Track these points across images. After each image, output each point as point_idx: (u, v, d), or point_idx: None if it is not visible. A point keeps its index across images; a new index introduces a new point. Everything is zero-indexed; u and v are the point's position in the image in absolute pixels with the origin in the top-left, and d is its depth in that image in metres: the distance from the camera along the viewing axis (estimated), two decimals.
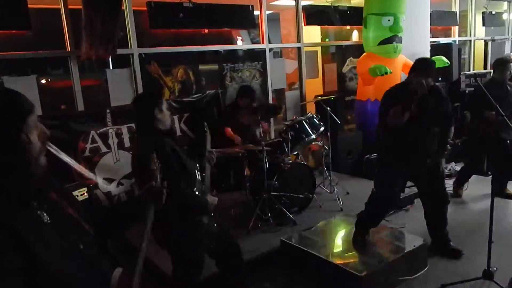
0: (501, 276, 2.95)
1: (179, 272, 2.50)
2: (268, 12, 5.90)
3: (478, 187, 4.91)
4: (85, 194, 3.71)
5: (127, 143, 4.38)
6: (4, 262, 1.00)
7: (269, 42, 5.98)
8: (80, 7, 3.93)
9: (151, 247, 1.53)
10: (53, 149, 3.63)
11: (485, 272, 2.95)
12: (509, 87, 4.42)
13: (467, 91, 6.65)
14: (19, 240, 1.03)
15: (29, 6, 3.95)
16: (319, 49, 7.49)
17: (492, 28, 9.05)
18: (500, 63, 4.52)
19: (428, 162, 3.22)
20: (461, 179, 4.90)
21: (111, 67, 4.74)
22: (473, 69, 8.89)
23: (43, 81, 4.65)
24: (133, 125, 4.38)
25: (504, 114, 3.03)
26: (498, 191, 4.54)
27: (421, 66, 3.12)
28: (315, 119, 4.63)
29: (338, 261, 3.06)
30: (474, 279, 2.96)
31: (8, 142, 1.05)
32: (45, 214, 1.13)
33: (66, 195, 1.32)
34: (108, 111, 4.28)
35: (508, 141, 4.36)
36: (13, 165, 1.07)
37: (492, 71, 4.65)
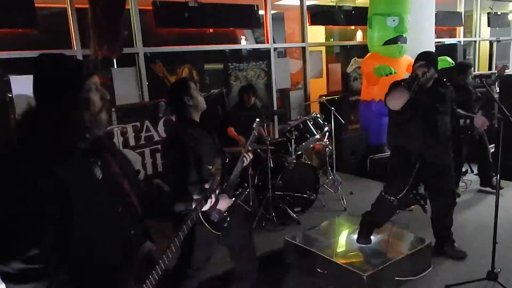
0: (505, 277, 2.95)
1: (180, 270, 2.51)
2: (272, 11, 5.91)
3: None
4: None
5: (132, 142, 4.39)
6: (41, 207, 1.12)
7: (274, 42, 5.99)
8: (87, 6, 3.95)
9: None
10: None
11: (489, 273, 2.95)
12: (472, 91, 4.59)
13: None
14: (61, 190, 1.15)
15: (36, 5, 3.98)
16: (323, 49, 7.50)
17: (497, 28, 9.02)
18: (461, 69, 4.69)
19: (439, 159, 3.21)
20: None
21: (115, 66, 4.77)
22: (478, 70, 8.86)
23: None
24: (138, 123, 4.41)
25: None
26: (486, 182, 4.91)
27: (422, 55, 3.21)
28: (319, 119, 4.64)
29: (342, 261, 3.06)
30: (478, 280, 2.96)
31: (69, 100, 1.21)
32: (99, 171, 1.27)
33: (121, 162, 1.41)
34: (113, 109, 4.30)
35: (477, 137, 4.76)
36: (73, 120, 1.21)
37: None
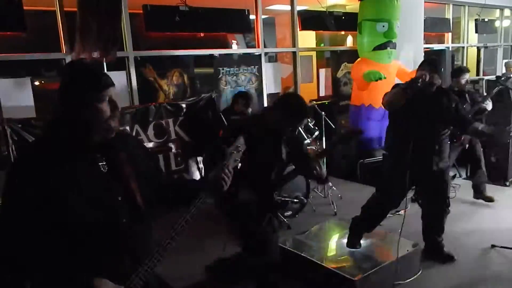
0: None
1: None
2: (263, 16, 5.93)
3: (470, 192, 4.96)
4: None
5: None
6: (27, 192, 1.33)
7: (265, 47, 6.01)
8: (76, 9, 3.93)
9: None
10: None
11: None
12: (467, 97, 4.58)
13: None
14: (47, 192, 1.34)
15: (24, 8, 3.94)
16: (314, 54, 7.54)
17: (484, 35, 9.15)
18: (456, 73, 4.69)
19: (434, 165, 3.21)
20: None
21: (105, 70, 4.73)
22: None
23: (37, 83, 4.63)
24: (127, 128, 4.38)
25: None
26: (478, 195, 4.80)
27: (425, 61, 3.22)
28: (309, 124, 4.65)
29: (332, 265, 3.06)
30: None
31: (84, 106, 1.38)
32: (105, 166, 1.47)
33: (135, 159, 1.57)
34: None
35: (467, 146, 4.74)
36: (84, 124, 1.40)
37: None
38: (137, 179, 1.53)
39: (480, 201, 4.74)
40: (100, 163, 1.47)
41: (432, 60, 3.25)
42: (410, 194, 4.06)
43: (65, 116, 1.41)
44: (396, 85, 3.19)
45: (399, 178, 3.15)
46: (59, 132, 1.43)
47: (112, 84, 1.45)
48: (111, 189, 1.47)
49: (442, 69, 5.74)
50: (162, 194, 1.70)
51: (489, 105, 4.48)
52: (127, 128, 4.38)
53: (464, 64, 9.00)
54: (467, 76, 4.62)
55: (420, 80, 2.91)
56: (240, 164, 1.68)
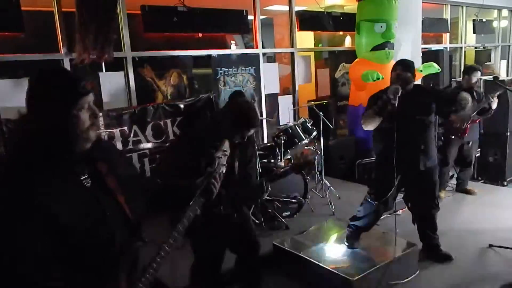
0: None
1: (197, 266, 2.51)
2: (261, 17, 5.94)
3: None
4: None
5: (119, 147, 4.36)
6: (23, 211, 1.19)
7: (263, 47, 6.01)
8: (74, 9, 3.93)
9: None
10: None
11: None
12: (475, 94, 4.58)
13: None
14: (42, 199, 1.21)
15: (22, 8, 3.93)
16: (312, 54, 7.54)
17: (482, 35, 9.18)
18: (467, 71, 4.70)
19: (422, 165, 3.22)
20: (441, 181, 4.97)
21: (104, 70, 4.74)
22: None
23: None
24: (126, 128, 4.38)
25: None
26: (462, 188, 5.05)
27: (397, 62, 3.33)
28: (308, 124, 4.66)
29: (330, 266, 3.07)
30: None
31: (61, 117, 1.25)
32: (87, 180, 1.34)
33: (116, 168, 1.45)
34: (100, 114, 4.26)
35: (470, 143, 4.84)
36: (61, 136, 1.27)
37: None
38: (124, 191, 1.42)
39: (480, 200, 4.78)
40: (82, 177, 1.34)
41: (403, 60, 3.33)
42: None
43: (39, 128, 1.25)
44: (371, 99, 3.22)
45: (388, 178, 3.19)
46: (32, 146, 1.26)
47: (91, 90, 1.32)
48: (97, 205, 1.34)
49: (440, 69, 5.81)
50: (151, 202, 1.61)
51: (494, 103, 4.49)
52: (125, 128, 4.38)
53: (462, 65, 9.04)
54: (478, 75, 4.68)
55: (393, 99, 2.94)
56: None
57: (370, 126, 3.17)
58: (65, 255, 1.25)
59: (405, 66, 3.20)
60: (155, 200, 1.64)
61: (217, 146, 1.68)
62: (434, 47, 8.39)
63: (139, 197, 1.52)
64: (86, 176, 1.34)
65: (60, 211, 1.23)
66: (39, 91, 1.27)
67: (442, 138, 4.90)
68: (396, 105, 2.95)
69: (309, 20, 6.44)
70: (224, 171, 1.66)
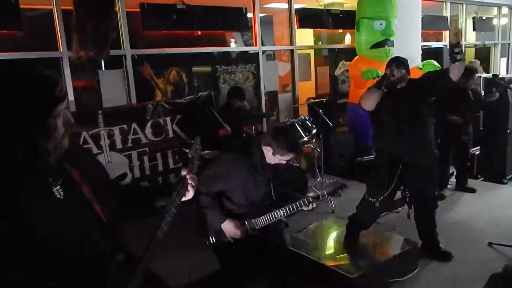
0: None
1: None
2: (261, 14, 5.93)
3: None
4: None
5: (119, 145, 4.36)
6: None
7: (262, 45, 6.00)
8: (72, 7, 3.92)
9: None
10: None
11: None
12: (471, 93, 4.61)
13: None
14: (18, 211, 1.10)
15: (21, 6, 3.92)
16: (312, 52, 7.53)
17: (482, 33, 9.16)
18: (465, 73, 4.68)
19: (422, 159, 3.22)
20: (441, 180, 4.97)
21: (103, 68, 4.73)
22: None
23: None
24: (125, 126, 4.38)
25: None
26: (461, 186, 5.02)
27: (391, 60, 3.33)
28: (307, 122, 4.65)
29: (329, 263, 3.07)
30: None
31: (36, 125, 1.11)
32: (59, 191, 1.21)
33: (89, 174, 1.34)
34: (100, 112, 4.26)
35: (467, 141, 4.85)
36: (37, 146, 1.13)
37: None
38: (98, 198, 1.31)
39: (479, 198, 4.77)
40: (54, 189, 1.20)
41: (396, 58, 3.37)
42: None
43: (6, 137, 1.09)
44: (370, 87, 3.24)
45: (386, 175, 3.19)
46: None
47: (65, 96, 1.18)
48: (72, 217, 1.23)
49: (440, 67, 5.80)
50: (126, 207, 1.52)
51: (495, 95, 4.54)
52: (125, 126, 4.38)
53: None
54: (475, 77, 4.71)
55: (389, 75, 3.07)
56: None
57: (369, 103, 3.15)
58: (46, 270, 1.15)
59: (399, 63, 3.20)
60: (130, 206, 1.55)
61: (190, 145, 1.65)
62: (434, 44, 8.38)
63: (113, 203, 1.41)
64: (58, 187, 1.21)
65: (34, 228, 1.12)
66: (9, 96, 1.08)
67: (442, 136, 4.90)
68: (395, 78, 3.06)
69: (309, 18, 6.43)
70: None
